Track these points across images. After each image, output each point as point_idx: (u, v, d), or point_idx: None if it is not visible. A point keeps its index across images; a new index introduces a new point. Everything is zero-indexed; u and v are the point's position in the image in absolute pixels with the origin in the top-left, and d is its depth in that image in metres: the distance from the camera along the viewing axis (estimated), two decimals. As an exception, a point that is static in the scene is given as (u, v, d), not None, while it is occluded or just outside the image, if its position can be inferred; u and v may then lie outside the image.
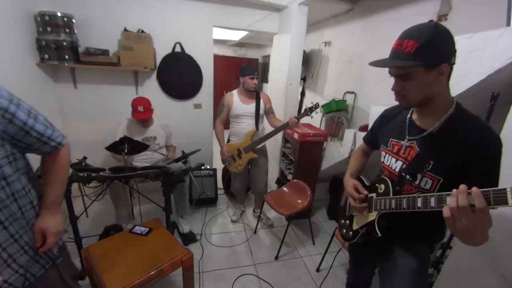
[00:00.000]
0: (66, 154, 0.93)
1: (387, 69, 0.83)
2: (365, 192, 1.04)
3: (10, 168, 0.77)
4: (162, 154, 2.46)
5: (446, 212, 0.66)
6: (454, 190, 0.65)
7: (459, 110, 0.82)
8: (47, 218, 0.86)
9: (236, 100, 2.27)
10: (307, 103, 3.81)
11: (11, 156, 0.78)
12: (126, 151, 1.79)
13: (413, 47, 0.73)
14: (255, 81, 2.19)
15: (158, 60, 2.75)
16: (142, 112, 2.18)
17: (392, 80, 0.85)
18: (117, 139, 1.86)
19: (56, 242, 0.89)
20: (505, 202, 0.57)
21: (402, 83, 0.81)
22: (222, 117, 2.33)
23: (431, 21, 0.75)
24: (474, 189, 0.61)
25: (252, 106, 2.26)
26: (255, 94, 2.28)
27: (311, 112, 2.07)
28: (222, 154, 2.38)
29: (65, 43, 2.23)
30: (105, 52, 2.43)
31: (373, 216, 0.98)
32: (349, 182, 1.11)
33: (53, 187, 0.89)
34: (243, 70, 2.21)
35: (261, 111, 2.30)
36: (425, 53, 0.73)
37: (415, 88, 0.79)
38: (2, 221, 0.75)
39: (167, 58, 2.77)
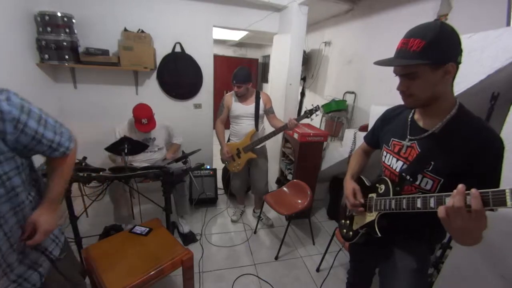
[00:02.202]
0: (73, 156, 0.94)
1: (387, 69, 0.82)
2: (362, 201, 1.05)
3: (19, 179, 0.78)
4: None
5: (441, 212, 0.66)
6: (454, 191, 0.65)
7: (461, 110, 0.82)
8: (43, 213, 0.83)
9: (235, 100, 2.27)
10: (307, 103, 3.83)
11: (21, 166, 0.78)
12: (126, 151, 1.79)
13: (419, 46, 0.73)
14: (236, 88, 2.17)
15: (158, 60, 2.75)
16: (146, 125, 2.15)
17: (393, 80, 0.85)
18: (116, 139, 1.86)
19: (43, 239, 0.84)
20: (504, 204, 0.57)
21: (408, 83, 0.80)
22: (223, 117, 2.33)
23: (436, 20, 0.75)
24: (473, 190, 0.61)
25: (251, 107, 2.25)
26: (255, 94, 2.27)
27: (311, 115, 2.03)
28: (222, 154, 2.38)
29: (65, 43, 2.23)
30: (105, 52, 2.43)
31: (373, 216, 0.98)
32: (349, 186, 1.10)
33: (57, 182, 0.89)
34: None
35: (261, 111, 2.29)
36: (431, 51, 0.72)
37: (421, 87, 0.78)
38: (6, 233, 0.76)
39: (167, 58, 2.78)
